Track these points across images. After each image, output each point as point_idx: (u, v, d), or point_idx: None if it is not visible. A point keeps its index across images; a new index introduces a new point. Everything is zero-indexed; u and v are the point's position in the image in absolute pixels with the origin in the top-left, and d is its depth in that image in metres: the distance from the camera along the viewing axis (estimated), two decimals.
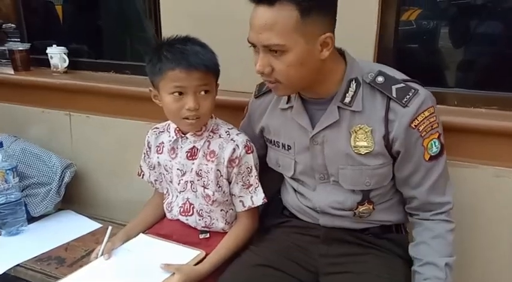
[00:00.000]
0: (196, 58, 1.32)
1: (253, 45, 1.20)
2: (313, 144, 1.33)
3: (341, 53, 1.29)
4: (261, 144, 1.52)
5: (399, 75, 1.27)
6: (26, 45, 2.37)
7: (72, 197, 2.21)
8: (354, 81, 1.26)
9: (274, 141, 1.45)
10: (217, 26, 1.76)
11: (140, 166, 1.67)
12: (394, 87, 1.23)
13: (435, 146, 1.25)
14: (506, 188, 1.48)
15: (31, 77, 2.27)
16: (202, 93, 1.36)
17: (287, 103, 1.38)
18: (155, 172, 1.62)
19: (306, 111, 1.33)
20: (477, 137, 1.49)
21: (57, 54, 2.24)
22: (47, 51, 2.27)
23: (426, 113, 1.22)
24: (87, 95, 2.13)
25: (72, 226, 2.02)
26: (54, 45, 2.27)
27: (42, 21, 2.58)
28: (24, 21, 2.49)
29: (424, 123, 1.22)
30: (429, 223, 1.30)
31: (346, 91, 1.26)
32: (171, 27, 1.83)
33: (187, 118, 1.38)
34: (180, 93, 1.35)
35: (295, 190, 1.48)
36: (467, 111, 1.56)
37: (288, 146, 1.40)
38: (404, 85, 1.23)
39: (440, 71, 1.76)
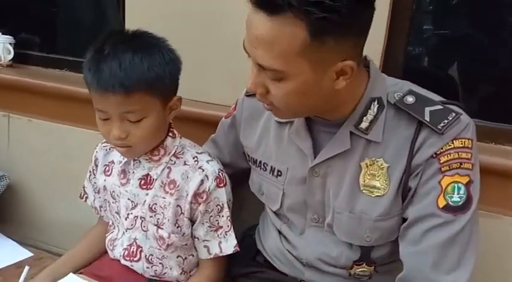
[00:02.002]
0: (112, 76, 0.96)
1: (249, 55, 0.88)
2: (313, 175, 1.01)
3: (364, 63, 0.97)
4: (245, 156, 1.19)
5: (435, 96, 0.97)
6: None
7: (4, 213, 1.81)
8: (375, 102, 0.94)
9: (260, 162, 1.12)
10: (193, 19, 1.41)
11: (84, 187, 1.30)
12: (428, 109, 0.92)
13: (458, 192, 0.90)
14: None
15: None
16: (131, 118, 1.01)
17: None
18: (100, 198, 1.24)
19: (308, 132, 1.01)
20: (499, 180, 1.20)
21: (0, 44, 1.83)
22: None
23: (458, 143, 0.90)
24: (31, 95, 1.74)
25: None
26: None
27: None
28: None
29: (450, 154, 0.90)
30: None
31: (364, 113, 0.94)
32: (135, 19, 1.48)
33: (117, 145, 1.06)
34: (105, 118, 1.02)
35: (278, 231, 1.14)
36: (488, 148, 1.25)
37: (279, 171, 1.08)
38: (442, 107, 0.92)
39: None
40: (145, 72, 0.98)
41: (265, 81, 0.88)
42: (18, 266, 1.53)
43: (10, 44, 1.85)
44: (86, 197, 1.29)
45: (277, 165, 1.08)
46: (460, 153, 0.89)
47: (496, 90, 1.43)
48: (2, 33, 1.86)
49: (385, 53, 1.26)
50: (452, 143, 0.89)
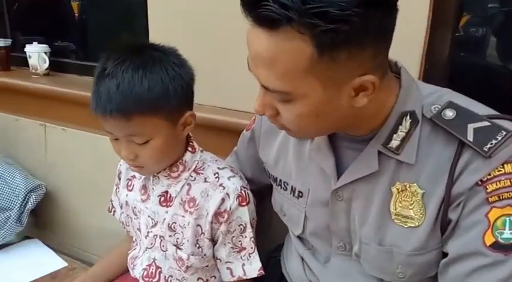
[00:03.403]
0: (109, 100, 0.88)
1: None
2: (336, 199, 0.87)
3: (394, 69, 0.82)
4: (265, 171, 1.07)
5: (481, 108, 0.79)
6: (7, 42, 1.95)
7: (42, 221, 1.80)
8: (408, 117, 0.78)
9: (280, 181, 0.99)
10: (215, 24, 1.31)
11: (111, 200, 1.24)
12: (471, 127, 0.75)
13: (511, 228, 0.73)
14: None
15: (5, 78, 1.84)
16: (136, 140, 0.93)
17: None
18: (123, 213, 1.18)
19: (331, 148, 0.87)
20: None
21: (35, 54, 1.82)
22: (25, 50, 1.85)
23: (510, 168, 0.73)
24: (65, 104, 1.70)
25: (31, 263, 1.59)
26: (35, 43, 1.85)
27: (29, 14, 2.16)
28: (7, 14, 2.07)
29: (500, 181, 0.72)
30: None
31: (395, 130, 0.79)
32: (158, 26, 1.41)
33: (129, 164, 0.99)
34: (114, 138, 0.96)
35: (301, 257, 1.02)
36: None
37: (300, 192, 0.95)
38: (489, 124, 0.75)
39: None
40: (145, 93, 0.88)
41: (273, 102, 0.76)
42: (53, 276, 1.52)
43: (45, 53, 1.83)
44: (114, 211, 1.23)
45: (297, 185, 0.95)
46: None
47: None
48: (38, 43, 1.86)
49: (426, 51, 1.09)
50: (503, 168, 0.73)
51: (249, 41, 0.72)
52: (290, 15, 0.62)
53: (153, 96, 0.89)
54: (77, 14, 2.08)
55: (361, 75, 0.70)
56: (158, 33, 1.40)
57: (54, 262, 1.60)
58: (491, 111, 0.78)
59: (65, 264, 1.58)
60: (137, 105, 0.88)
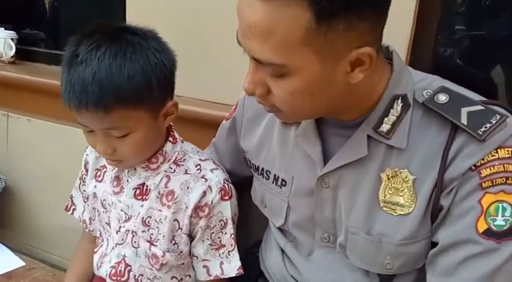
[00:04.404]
0: (84, 92, 0.79)
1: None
2: (322, 186, 0.83)
3: (385, 54, 0.79)
4: (247, 163, 1.01)
5: (473, 94, 0.78)
6: None
7: (2, 218, 1.68)
8: (399, 100, 0.76)
9: (262, 170, 0.94)
10: (197, 14, 1.26)
11: (71, 197, 1.12)
12: (465, 110, 0.73)
13: (503, 214, 0.70)
14: None
15: None
16: (115, 134, 0.85)
17: None
18: (88, 206, 1.08)
19: (318, 134, 0.83)
20: None
21: (1, 39, 1.71)
22: None
23: (504, 153, 0.70)
24: (30, 93, 1.61)
25: None
26: (1, 29, 1.73)
27: None
28: None
29: (494, 166, 0.70)
30: None
31: (386, 114, 0.76)
32: (136, 12, 1.34)
33: (106, 158, 0.91)
34: (89, 130, 0.87)
35: (282, 250, 0.96)
36: None
37: (283, 181, 0.90)
38: (483, 108, 0.73)
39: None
40: (125, 84, 0.80)
41: (264, 79, 0.71)
42: (8, 276, 1.40)
43: (12, 39, 1.73)
44: (74, 209, 1.12)
45: (281, 173, 0.90)
46: (506, 166, 0.70)
47: None
48: (5, 29, 1.75)
49: (412, 44, 1.08)
50: (497, 153, 0.70)
51: (241, 11, 0.67)
52: None
53: (134, 87, 0.81)
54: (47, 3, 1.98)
55: (358, 47, 0.66)
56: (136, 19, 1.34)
57: (11, 261, 1.49)
58: (483, 98, 0.77)
59: (23, 263, 1.47)
60: (117, 98, 0.80)
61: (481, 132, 0.70)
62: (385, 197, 0.78)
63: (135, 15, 1.36)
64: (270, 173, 0.92)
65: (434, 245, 0.77)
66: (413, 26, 1.04)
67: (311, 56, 0.66)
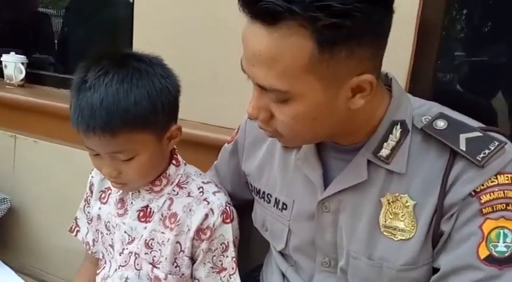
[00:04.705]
0: (92, 117, 0.81)
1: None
2: (323, 210, 0.84)
3: (385, 81, 0.81)
4: (248, 186, 1.02)
5: (471, 121, 0.79)
6: None
7: (3, 238, 1.67)
8: (398, 126, 0.77)
9: (263, 193, 0.95)
10: (200, 40, 1.29)
11: (76, 218, 1.14)
12: (463, 137, 0.74)
13: (505, 240, 0.70)
14: None
15: None
16: (121, 157, 0.87)
17: None
18: (92, 228, 1.09)
19: (319, 158, 0.84)
20: None
21: (12, 63, 1.75)
22: (0, 59, 1.77)
23: (503, 179, 0.71)
24: (38, 115, 1.63)
25: None
26: (12, 53, 1.78)
27: (8, 26, 2.09)
28: None
29: (493, 192, 0.71)
30: None
31: (385, 139, 0.77)
32: (143, 40, 1.37)
33: (111, 181, 0.93)
34: (95, 154, 0.89)
35: (283, 275, 0.96)
36: None
37: (284, 204, 0.91)
38: (481, 134, 0.74)
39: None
40: (132, 109, 0.82)
41: (268, 104, 0.72)
42: None
43: (22, 63, 1.77)
44: (78, 231, 1.13)
45: (282, 197, 0.91)
46: (506, 192, 0.70)
47: None
48: (16, 53, 1.79)
49: (411, 71, 1.10)
50: (496, 179, 0.71)
51: (246, 39, 0.69)
52: (293, 8, 0.61)
53: (140, 111, 0.83)
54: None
55: (359, 74, 0.68)
56: (142, 46, 1.38)
57: None
58: (481, 125, 0.78)
59: None
60: (123, 122, 0.82)
61: (480, 158, 0.71)
62: (385, 221, 0.78)
63: (141, 41, 1.40)
64: (271, 196, 0.93)
65: (435, 271, 0.77)
66: (413, 54, 1.06)
67: (314, 83, 0.67)
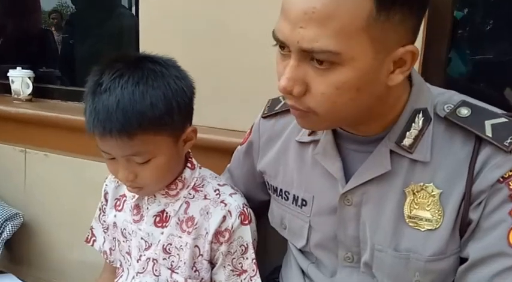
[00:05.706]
0: (109, 119, 0.80)
1: (281, 46, 0.69)
2: (345, 204, 0.82)
3: None
4: (262, 187, 1.01)
5: (494, 108, 0.77)
6: None
7: (17, 254, 1.66)
8: (420, 114, 0.75)
9: (280, 190, 0.93)
10: (207, 45, 1.28)
11: (91, 228, 1.12)
12: (488, 123, 0.73)
13: None
14: None
15: None
16: (137, 160, 0.86)
17: (310, 134, 0.87)
18: (108, 236, 1.08)
19: (338, 151, 0.82)
20: None
21: (19, 78, 1.75)
22: (8, 74, 1.77)
23: None
24: (47, 129, 1.62)
25: None
26: (19, 68, 1.78)
27: (14, 42, 2.10)
28: None
29: None
30: None
31: (408, 128, 0.75)
32: (149, 48, 1.36)
33: (127, 185, 0.91)
34: (111, 158, 0.88)
35: (303, 273, 0.94)
36: None
37: (303, 200, 0.89)
38: (506, 120, 0.73)
39: None
40: (148, 111, 0.81)
41: (306, 75, 0.67)
42: None
43: (29, 78, 1.77)
44: (94, 240, 1.12)
45: (300, 193, 0.89)
46: None
47: None
48: (22, 68, 1.79)
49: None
50: None
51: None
52: None
53: (156, 113, 0.82)
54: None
55: (405, 44, 0.67)
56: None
57: None
58: (504, 112, 0.76)
59: None
60: (140, 124, 0.81)
61: (507, 144, 0.70)
62: (410, 212, 0.77)
63: (148, 49, 1.39)
64: (288, 193, 0.91)
65: (463, 260, 0.75)
66: (423, 43, 1.05)
67: (367, 45, 0.64)
